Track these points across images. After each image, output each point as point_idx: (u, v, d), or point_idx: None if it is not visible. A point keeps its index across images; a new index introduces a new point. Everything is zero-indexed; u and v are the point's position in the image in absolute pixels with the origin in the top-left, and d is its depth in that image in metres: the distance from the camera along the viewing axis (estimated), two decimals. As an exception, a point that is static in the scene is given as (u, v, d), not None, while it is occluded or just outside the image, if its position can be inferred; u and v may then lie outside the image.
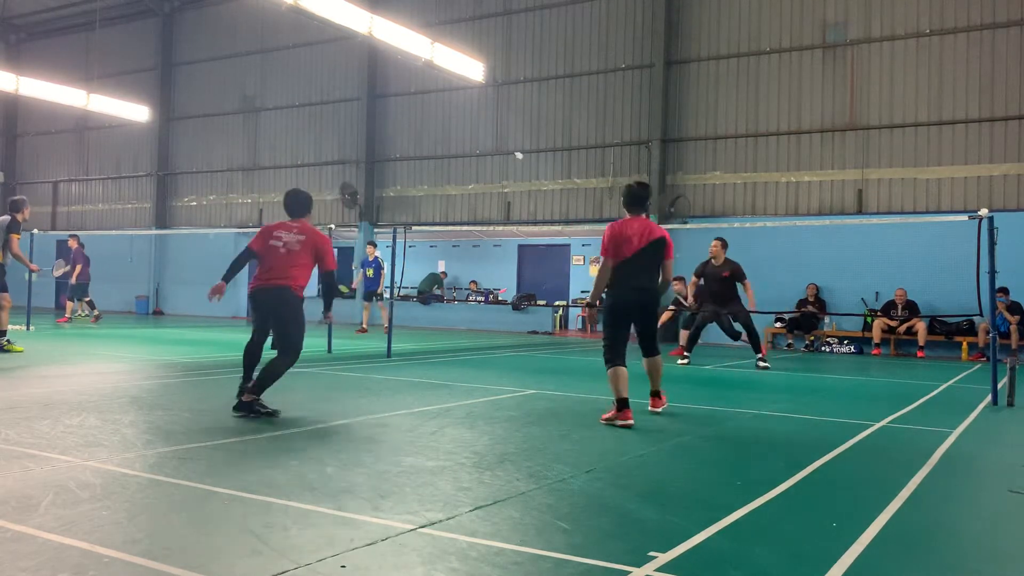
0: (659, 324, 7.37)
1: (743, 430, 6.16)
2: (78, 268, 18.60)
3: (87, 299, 18.42)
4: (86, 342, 13.00)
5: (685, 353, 12.15)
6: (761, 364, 11.42)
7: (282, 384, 8.13)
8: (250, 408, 6.04)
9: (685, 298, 13.70)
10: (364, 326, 17.13)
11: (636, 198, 6.62)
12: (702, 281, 12.20)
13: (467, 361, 11.41)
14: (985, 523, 3.79)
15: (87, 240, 21.30)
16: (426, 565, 2.86)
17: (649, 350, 6.70)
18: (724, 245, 11.82)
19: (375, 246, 17.23)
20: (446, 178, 20.78)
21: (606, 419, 6.12)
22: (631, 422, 6.00)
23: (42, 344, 12.25)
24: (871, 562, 3.04)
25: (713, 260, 11.80)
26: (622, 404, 6.08)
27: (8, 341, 10.71)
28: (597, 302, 6.62)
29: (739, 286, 11.74)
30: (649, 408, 6.70)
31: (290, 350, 6.24)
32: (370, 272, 16.72)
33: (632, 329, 6.50)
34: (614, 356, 6.33)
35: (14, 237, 10.87)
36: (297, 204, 6.69)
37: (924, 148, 15.46)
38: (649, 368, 6.71)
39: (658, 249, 6.53)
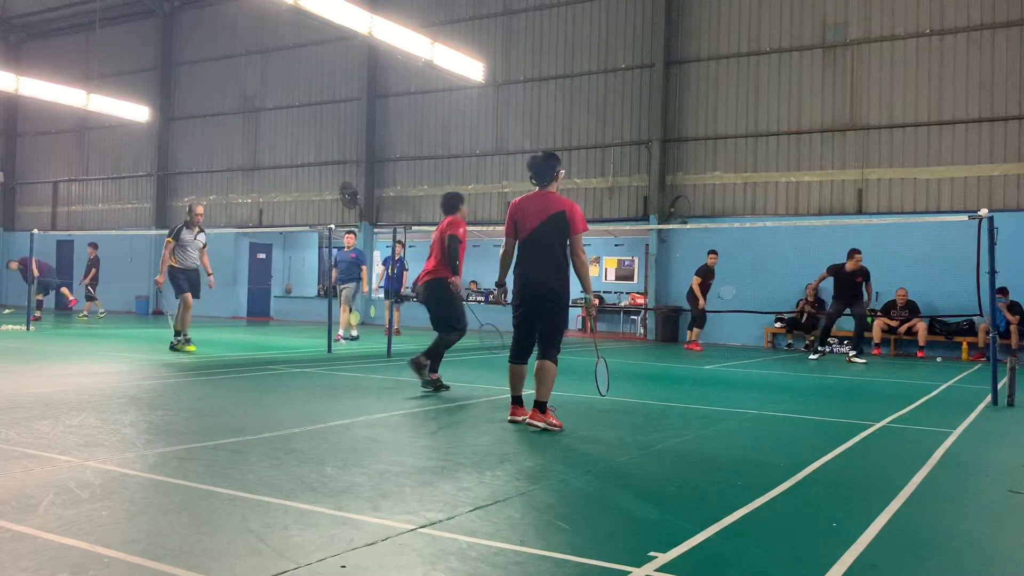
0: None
1: (743, 430, 6.16)
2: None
3: (39, 297, 18.63)
4: (86, 342, 13.00)
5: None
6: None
7: (283, 384, 8.14)
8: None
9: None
10: (397, 326, 16.82)
11: (536, 169, 5.89)
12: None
13: (467, 361, 11.41)
14: (985, 523, 3.79)
15: (87, 240, 21.34)
16: (426, 565, 2.86)
17: (541, 350, 5.77)
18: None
19: (403, 245, 16.97)
20: (446, 178, 20.78)
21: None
22: (519, 418, 5.86)
23: (42, 344, 12.25)
24: (871, 562, 3.04)
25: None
26: (514, 400, 5.96)
27: (184, 340, 11.03)
28: (505, 285, 6.13)
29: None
30: (527, 419, 5.76)
31: None
32: (391, 270, 16.49)
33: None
34: (513, 352, 5.92)
35: (168, 242, 11.14)
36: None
37: (924, 148, 15.46)
38: (535, 373, 5.73)
39: (558, 224, 5.72)
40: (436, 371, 7.63)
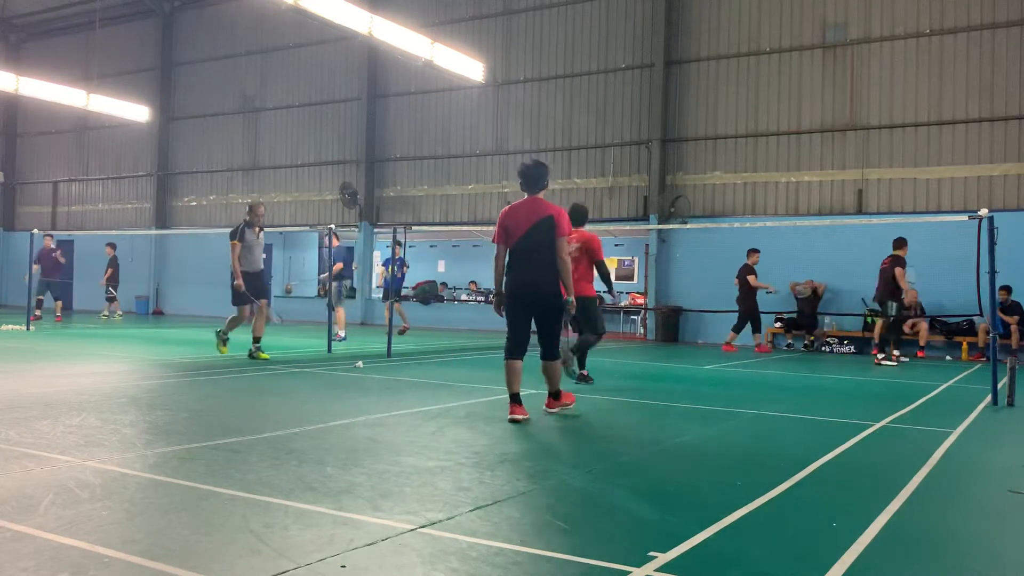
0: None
1: (743, 430, 6.16)
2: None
3: (39, 297, 18.58)
4: (86, 342, 13.00)
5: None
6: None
7: (283, 384, 8.14)
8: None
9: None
10: (406, 325, 16.68)
11: (527, 176, 6.11)
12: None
13: (467, 361, 11.41)
14: (985, 523, 3.79)
15: (87, 240, 21.30)
16: (426, 565, 2.86)
17: (543, 351, 6.14)
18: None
19: (401, 245, 16.93)
20: (446, 178, 20.78)
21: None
22: (519, 417, 5.90)
23: (42, 344, 12.26)
24: (871, 562, 3.04)
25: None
26: (512, 399, 5.99)
27: (258, 348, 10.26)
28: (502, 292, 6.19)
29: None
30: (544, 408, 6.30)
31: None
32: (391, 269, 16.40)
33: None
34: (508, 349, 6.07)
35: (233, 244, 10.19)
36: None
37: (924, 148, 15.46)
38: (543, 372, 6.21)
39: (547, 229, 5.96)
40: (584, 367, 8.54)
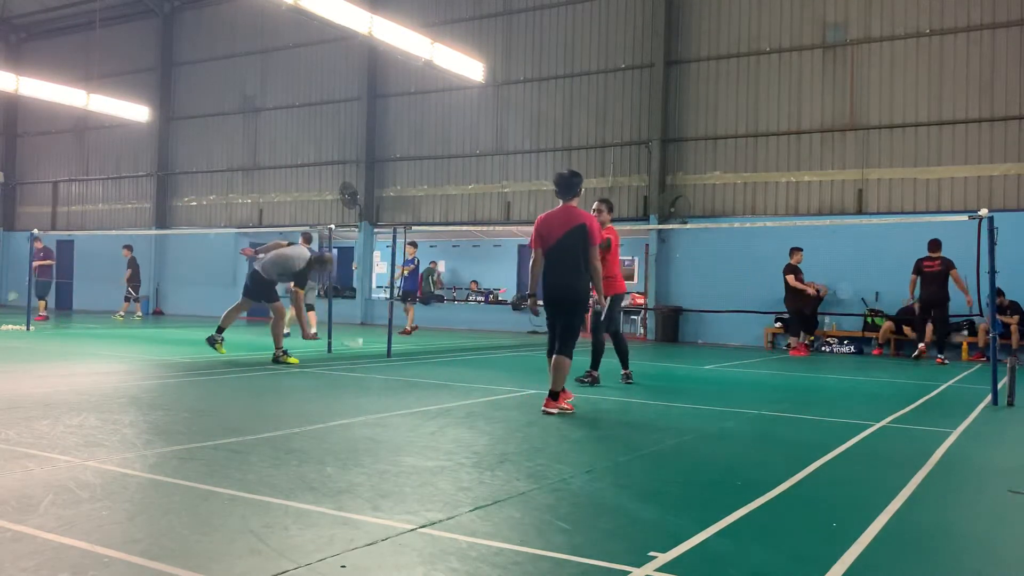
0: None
1: (743, 430, 6.16)
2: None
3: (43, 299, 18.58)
4: (86, 342, 13.00)
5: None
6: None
7: (283, 384, 8.14)
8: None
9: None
10: (408, 327, 16.75)
11: (561, 184, 6.51)
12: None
13: (467, 361, 11.41)
14: (985, 523, 3.79)
15: (87, 240, 21.22)
16: (426, 565, 2.86)
17: (559, 347, 6.41)
18: None
19: (415, 246, 16.94)
20: (446, 178, 20.78)
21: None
22: (567, 407, 6.49)
23: (42, 344, 12.26)
24: (871, 562, 3.04)
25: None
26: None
27: (284, 352, 9.91)
28: (536, 294, 6.67)
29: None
30: (543, 407, 6.36)
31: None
32: (404, 271, 16.39)
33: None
34: (548, 349, 6.58)
35: (298, 292, 10.55)
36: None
37: (924, 148, 15.45)
38: (552, 366, 6.41)
39: (580, 236, 6.34)
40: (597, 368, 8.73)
